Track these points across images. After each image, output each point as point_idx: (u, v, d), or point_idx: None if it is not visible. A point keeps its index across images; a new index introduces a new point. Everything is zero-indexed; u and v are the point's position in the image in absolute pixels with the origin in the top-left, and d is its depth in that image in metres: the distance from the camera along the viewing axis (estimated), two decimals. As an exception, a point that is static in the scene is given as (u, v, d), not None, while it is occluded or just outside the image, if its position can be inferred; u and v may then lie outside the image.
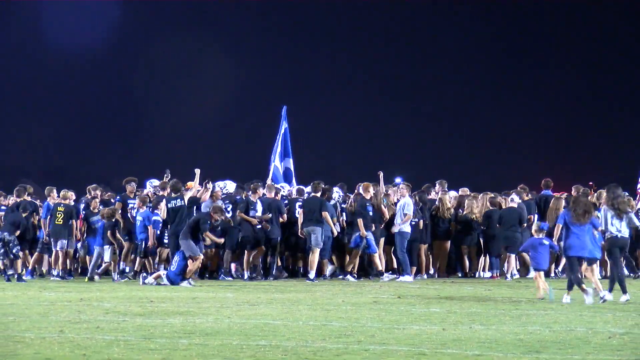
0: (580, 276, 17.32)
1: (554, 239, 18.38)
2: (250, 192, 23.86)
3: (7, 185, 25.46)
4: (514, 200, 23.86)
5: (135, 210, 23.75)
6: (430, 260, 25.09)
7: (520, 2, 53.95)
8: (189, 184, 23.68)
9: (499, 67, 54.52)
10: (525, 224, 23.81)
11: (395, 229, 23.47)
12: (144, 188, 25.42)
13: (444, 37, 55.11)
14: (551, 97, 55.39)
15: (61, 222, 23.63)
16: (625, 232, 17.69)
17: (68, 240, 23.72)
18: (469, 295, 18.76)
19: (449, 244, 24.91)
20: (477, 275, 24.82)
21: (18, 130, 55.14)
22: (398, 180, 27.08)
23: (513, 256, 24.02)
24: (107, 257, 23.34)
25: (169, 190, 23.39)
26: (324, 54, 56.32)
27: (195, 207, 23.17)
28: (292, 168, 27.81)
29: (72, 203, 24.16)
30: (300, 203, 23.91)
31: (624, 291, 17.11)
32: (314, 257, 23.10)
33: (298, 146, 29.18)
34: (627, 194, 25.36)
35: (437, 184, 25.92)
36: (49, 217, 23.88)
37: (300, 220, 23.48)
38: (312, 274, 22.93)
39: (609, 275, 18.53)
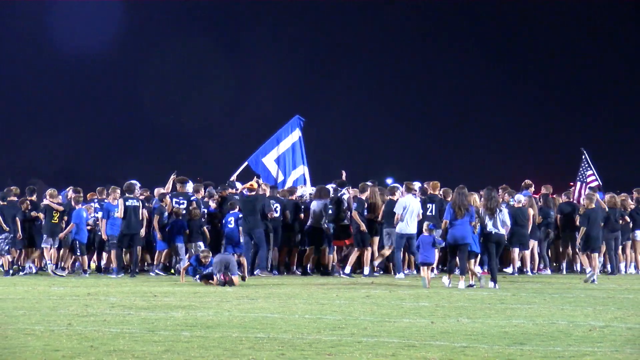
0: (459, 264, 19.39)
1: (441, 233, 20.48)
2: (347, 190, 23.90)
3: (19, 185, 25.21)
4: (520, 202, 23.75)
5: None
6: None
7: (502, 4, 54.01)
8: (251, 183, 23.60)
9: (489, 73, 54.58)
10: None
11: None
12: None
13: (435, 44, 55.23)
14: (539, 100, 55.52)
15: (57, 221, 23.35)
16: (500, 229, 19.53)
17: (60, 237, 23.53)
18: (456, 290, 18.77)
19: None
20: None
21: (30, 132, 55.11)
22: (389, 180, 26.98)
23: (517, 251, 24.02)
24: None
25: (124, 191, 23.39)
26: (323, 59, 56.38)
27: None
28: (307, 175, 27.58)
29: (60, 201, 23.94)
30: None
31: (494, 280, 19.26)
32: (385, 254, 23.37)
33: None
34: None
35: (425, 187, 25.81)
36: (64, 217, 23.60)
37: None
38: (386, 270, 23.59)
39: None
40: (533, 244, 24.00)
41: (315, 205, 23.52)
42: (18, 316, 13.35)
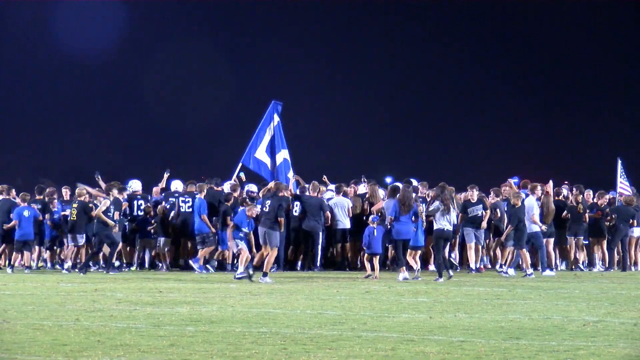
0: (406, 257, 20.47)
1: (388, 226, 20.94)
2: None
3: (29, 185, 25.29)
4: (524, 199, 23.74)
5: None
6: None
7: (488, 5, 53.85)
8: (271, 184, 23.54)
9: (487, 73, 54.50)
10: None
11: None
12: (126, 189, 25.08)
13: (434, 43, 55.16)
14: (536, 100, 55.46)
15: (74, 218, 23.38)
16: (449, 226, 20.20)
17: (85, 234, 23.49)
18: (454, 286, 18.75)
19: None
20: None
21: (37, 132, 55.13)
22: (389, 180, 26.86)
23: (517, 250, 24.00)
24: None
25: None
26: (322, 59, 56.31)
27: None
28: (289, 158, 26.97)
29: (87, 200, 23.82)
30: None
31: (440, 275, 19.94)
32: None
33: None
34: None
35: (419, 186, 25.66)
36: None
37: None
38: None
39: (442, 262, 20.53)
40: (547, 241, 23.92)
41: (388, 203, 23.54)
42: (27, 311, 13.35)
